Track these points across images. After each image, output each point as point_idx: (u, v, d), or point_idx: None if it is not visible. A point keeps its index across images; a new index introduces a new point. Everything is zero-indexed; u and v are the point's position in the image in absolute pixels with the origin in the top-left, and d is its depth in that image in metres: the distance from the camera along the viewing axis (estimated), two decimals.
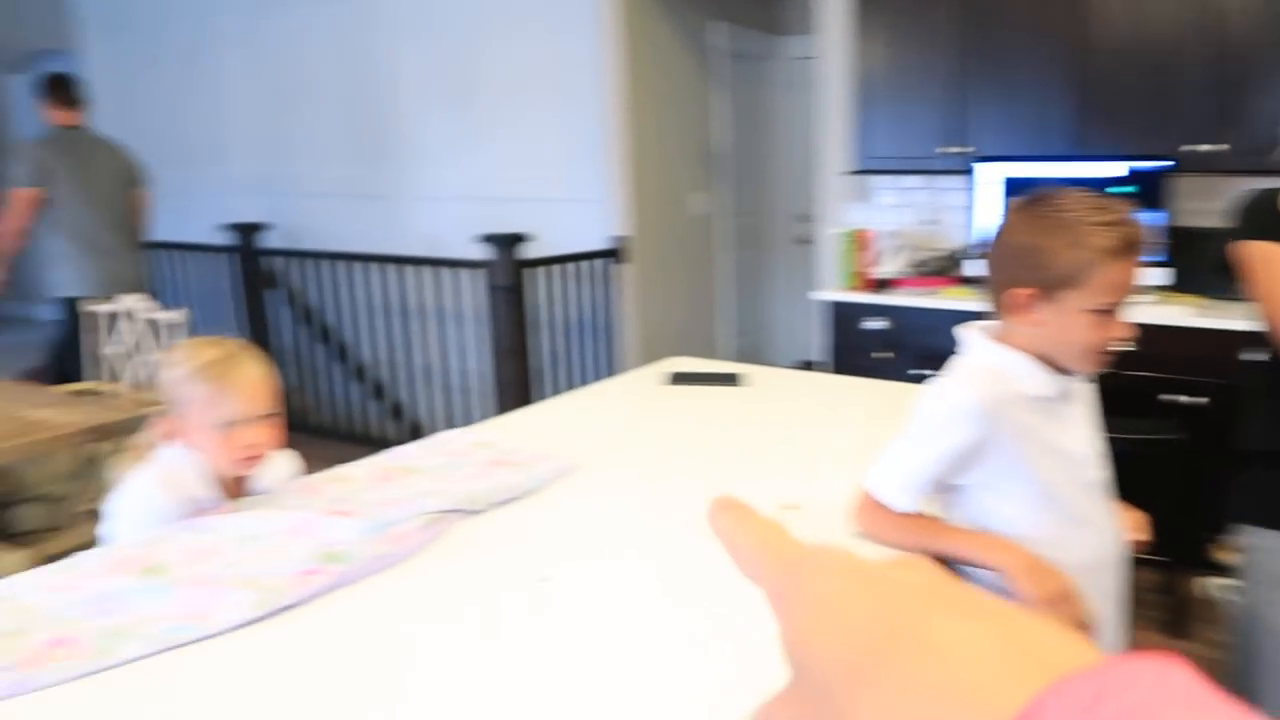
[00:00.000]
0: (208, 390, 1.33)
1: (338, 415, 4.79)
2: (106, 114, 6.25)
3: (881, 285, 3.64)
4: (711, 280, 5.43)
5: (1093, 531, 1.23)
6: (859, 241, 3.66)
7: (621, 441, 1.78)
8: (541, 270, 4.11)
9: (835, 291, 3.69)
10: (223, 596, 1.08)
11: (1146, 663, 0.22)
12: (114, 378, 3.02)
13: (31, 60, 7.59)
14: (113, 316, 3.02)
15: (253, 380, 1.37)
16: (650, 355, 4.71)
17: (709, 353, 5.47)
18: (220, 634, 1.03)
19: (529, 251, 4.02)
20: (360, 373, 4.70)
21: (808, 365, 6.18)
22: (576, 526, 1.36)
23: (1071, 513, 1.20)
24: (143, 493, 1.35)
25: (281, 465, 1.48)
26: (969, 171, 3.41)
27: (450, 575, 1.19)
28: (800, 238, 6.25)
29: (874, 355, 3.59)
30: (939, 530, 1.21)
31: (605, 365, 4.57)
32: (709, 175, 5.25)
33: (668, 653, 1.01)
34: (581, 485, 1.52)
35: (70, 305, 3.76)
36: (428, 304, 4.37)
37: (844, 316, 3.65)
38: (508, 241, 3.85)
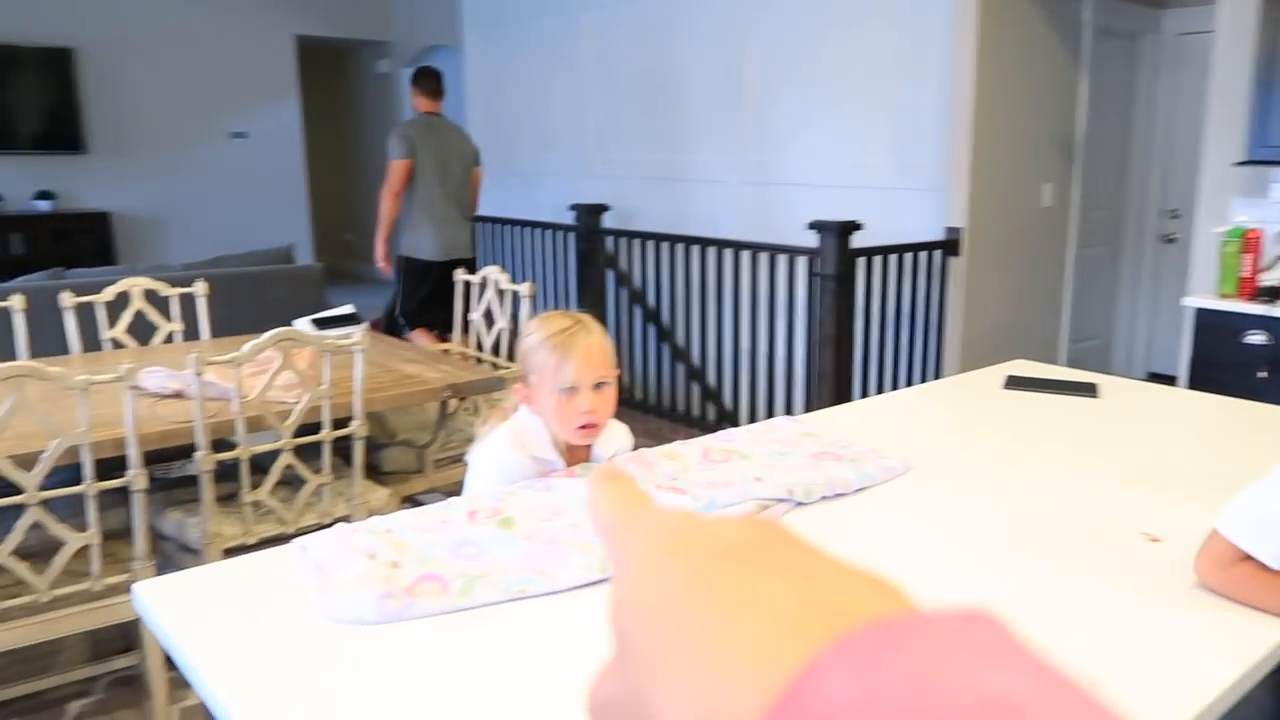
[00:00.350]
0: (552, 357, 1.42)
1: (661, 393, 4.98)
2: (479, 101, 6.95)
3: (1269, 294, 3.15)
4: (1053, 279, 5.00)
5: None
6: (1246, 243, 3.18)
7: (957, 446, 1.67)
8: (864, 259, 3.99)
9: (1210, 298, 3.25)
10: (565, 557, 1.14)
11: (950, 613, 0.20)
12: (476, 341, 3.34)
13: (425, 54, 8.57)
14: (481, 285, 3.33)
15: (591, 348, 1.44)
16: (976, 355, 4.44)
17: (1045, 358, 5.05)
18: (560, 591, 1.08)
19: (855, 240, 3.92)
20: (680, 353, 4.84)
21: (1160, 379, 5.53)
22: (906, 531, 1.29)
23: None
24: (497, 450, 1.46)
25: (617, 438, 1.54)
26: None
27: None
28: (1166, 235, 5.59)
29: (1258, 374, 3.13)
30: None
31: (929, 363, 4.36)
32: (1062, 164, 4.82)
33: None
34: (913, 488, 1.45)
35: (410, 264, 4.54)
36: (747, 288, 4.40)
37: (1218, 327, 3.21)
38: (839, 229, 3.77)
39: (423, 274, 4.57)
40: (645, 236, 4.89)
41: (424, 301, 4.59)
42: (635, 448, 1.61)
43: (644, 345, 5.02)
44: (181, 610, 1.04)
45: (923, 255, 4.24)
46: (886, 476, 1.46)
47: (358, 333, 2.32)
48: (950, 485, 1.46)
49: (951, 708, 0.17)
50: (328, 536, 1.19)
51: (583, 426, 1.45)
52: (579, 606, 1.06)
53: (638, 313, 5.06)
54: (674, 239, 4.73)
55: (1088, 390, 2.00)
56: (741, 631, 0.21)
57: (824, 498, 1.38)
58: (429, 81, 4.60)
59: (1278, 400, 3.03)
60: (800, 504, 1.35)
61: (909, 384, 4.29)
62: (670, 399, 4.94)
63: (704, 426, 4.69)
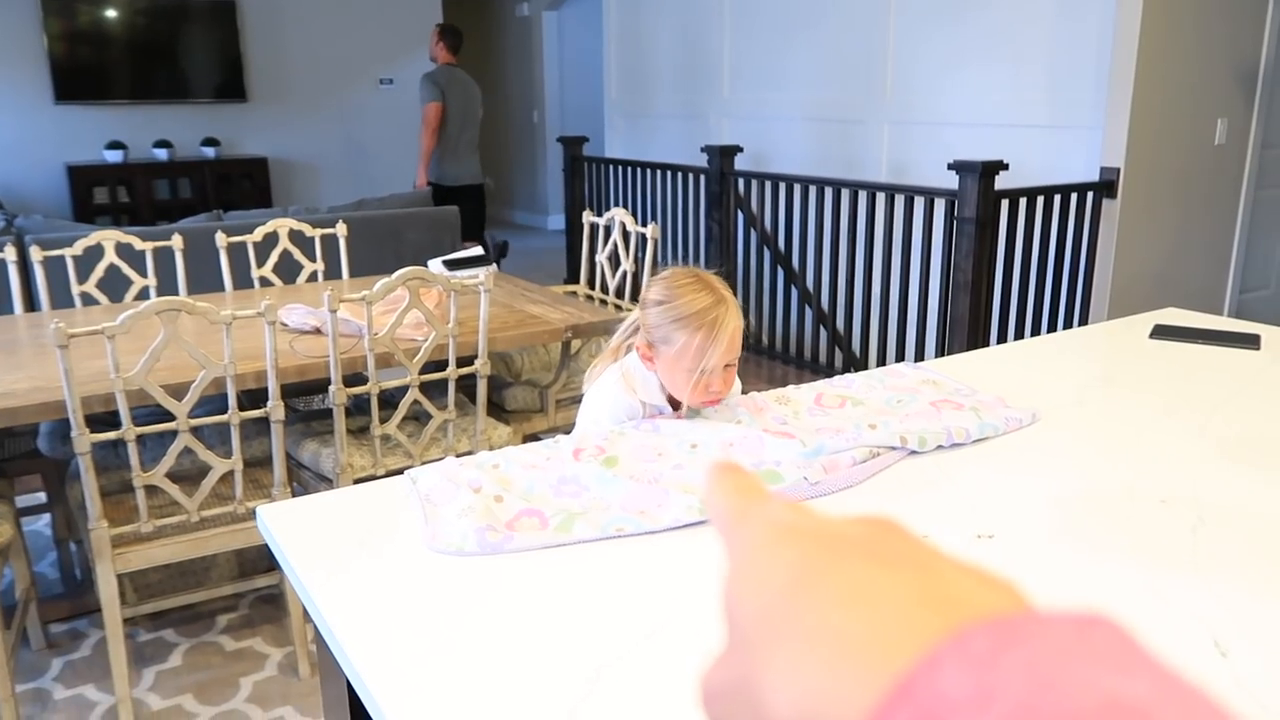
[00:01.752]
0: (694, 339, 1.36)
1: (788, 339, 4.90)
2: (616, 45, 6.91)
3: None
4: (1222, 223, 4.62)
5: None
6: None
7: (1092, 399, 1.57)
8: (1008, 201, 3.78)
9: None
10: (665, 497, 1.14)
11: (1069, 615, 0.20)
12: (601, 284, 3.36)
13: (562, 1, 8.60)
14: (607, 228, 3.34)
15: (735, 333, 1.39)
16: (1127, 304, 4.17)
17: (1206, 308, 4.70)
18: (659, 531, 1.08)
19: (1001, 181, 3.71)
20: (809, 297, 4.74)
21: None
22: (1022, 489, 1.23)
23: None
24: (607, 391, 1.46)
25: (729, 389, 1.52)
26: None
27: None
28: None
29: None
30: None
31: (1074, 312, 4.12)
32: (1241, 98, 4.42)
33: None
34: (1037, 442, 1.37)
35: (437, 189, 5.53)
36: (881, 232, 4.25)
37: None
38: (982, 169, 3.58)
39: (445, 196, 5.47)
40: (778, 179, 4.78)
41: None
42: (745, 392, 1.59)
43: (771, 289, 4.94)
44: (297, 534, 1.09)
45: (1073, 197, 3.99)
46: (1010, 428, 1.39)
47: (484, 274, 2.36)
48: (1077, 442, 1.37)
49: (1071, 710, 0.17)
50: (437, 469, 1.22)
51: (708, 400, 1.42)
52: (676, 547, 1.06)
53: (767, 256, 4.98)
54: (808, 181, 4.61)
55: (1249, 341, 1.83)
56: (854, 624, 0.21)
57: (939, 447, 1.32)
58: (453, 38, 5.58)
59: None
60: (914, 452, 1.30)
61: (1051, 332, 4.07)
62: (797, 345, 4.86)
63: (830, 374, 4.60)
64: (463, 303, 2.45)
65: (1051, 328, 4.08)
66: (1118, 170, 4.03)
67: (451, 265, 3.32)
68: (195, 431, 2.05)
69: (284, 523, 1.12)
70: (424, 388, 2.32)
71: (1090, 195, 4.03)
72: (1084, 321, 4.15)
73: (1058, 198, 3.94)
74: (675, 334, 1.37)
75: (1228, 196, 4.59)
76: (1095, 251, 4.11)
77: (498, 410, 2.83)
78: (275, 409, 2.12)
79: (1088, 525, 1.11)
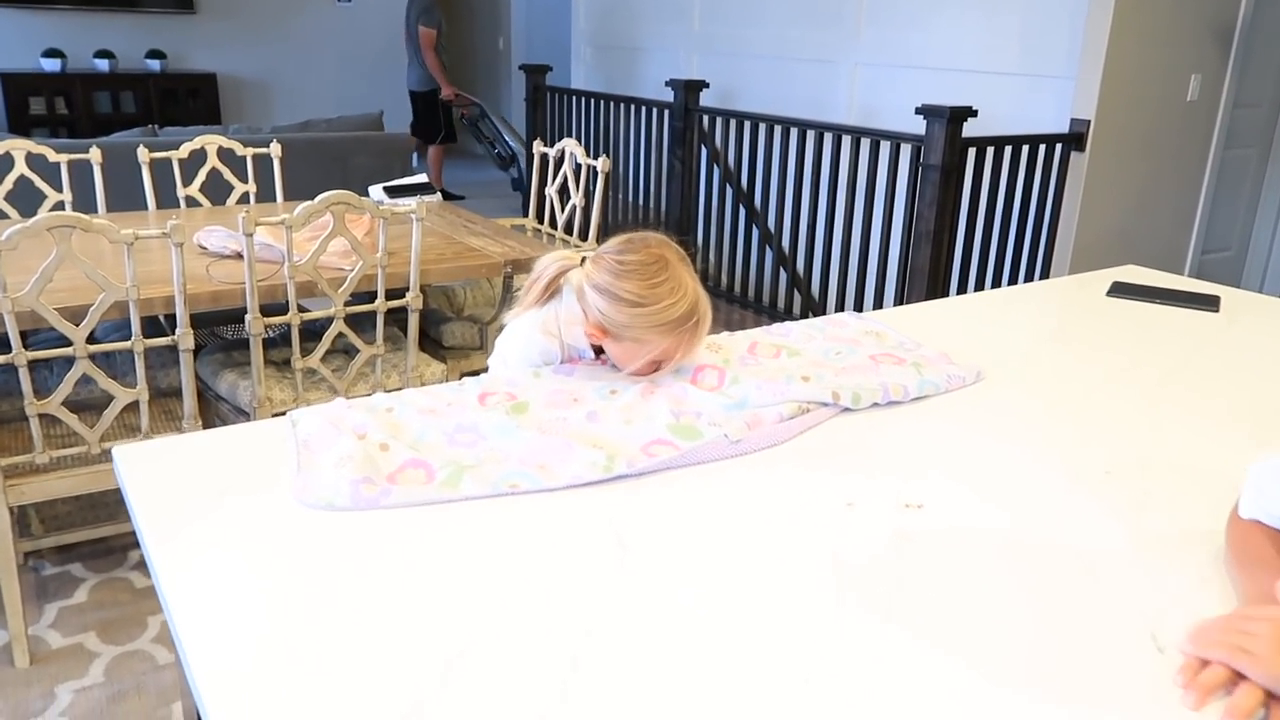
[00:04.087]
0: (666, 339, 1.22)
1: (747, 280, 4.79)
2: None
3: None
4: (1188, 182, 4.55)
5: None
6: None
7: (1040, 358, 1.48)
8: (975, 150, 3.67)
9: None
10: (567, 451, 1.04)
11: None
12: (550, 218, 3.22)
13: None
14: (558, 159, 3.19)
15: (697, 344, 1.27)
16: (1090, 260, 4.10)
17: (1167, 268, 4.65)
18: (555, 489, 0.98)
19: (968, 129, 3.60)
20: (770, 239, 4.63)
21: None
22: (958, 451, 1.14)
23: None
24: (524, 333, 1.35)
25: None
26: None
27: (793, 478, 1.04)
28: None
29: None
30: (1253, 557, 0.84)
31: (1037, 267, 4.05)
32: (1215, 54, 4.32)
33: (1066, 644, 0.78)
34: (979, 402, 1.28)
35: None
36: (846, 175, 4.13)
37: None
38: (950, 116, 3.46)
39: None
40: (743, 117, 4.63)
41: None
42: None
43: (733, 230, 4.81)
44: (153, 481, 0.97)
45: (1041, 148, 3.89)
46: (951, 386, 1.30)
47: (419, 202, 2.21)
48: (1021, 404, 1.29)
49: None
50: (321, 411, 1.11)
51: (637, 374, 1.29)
52: (572, 507, 0.96)
53: (729, 195, 4.85)
54: (773, 120, 4.46)
55: (1208, 303, 1.76)
56: None
57: (875, 405, 1.23)
58: None
59: None
60: (846, 409, 1.21)
61: (1011, 285, 4.00)
62: (756, 288, 4.76)
63: (787, 317, 4.51)
64: (397, 233, 2.31)
65: (1012, 281, 4.01)
66: (1088, 123, 3.93)
67: (393, 192, 3.17)
68: (106, 359, 1.91)
69: (141, 468, 1.00)
70: (355, 321, 2.19)
71: (1059, 147, 3.93)
72: (1045, 277, 4.08)
73: (1026, 148, 3.84)
74: (649, 334, 1.22)
75: (1196, 155, 4.52)
76: (1060, 205, 4.03)
77: (434, 346, 2.71)
78: (184, 337, 1.98)
79: (1024, 498, 1.03)
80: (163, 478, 0.98)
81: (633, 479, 1.01)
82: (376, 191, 3.12)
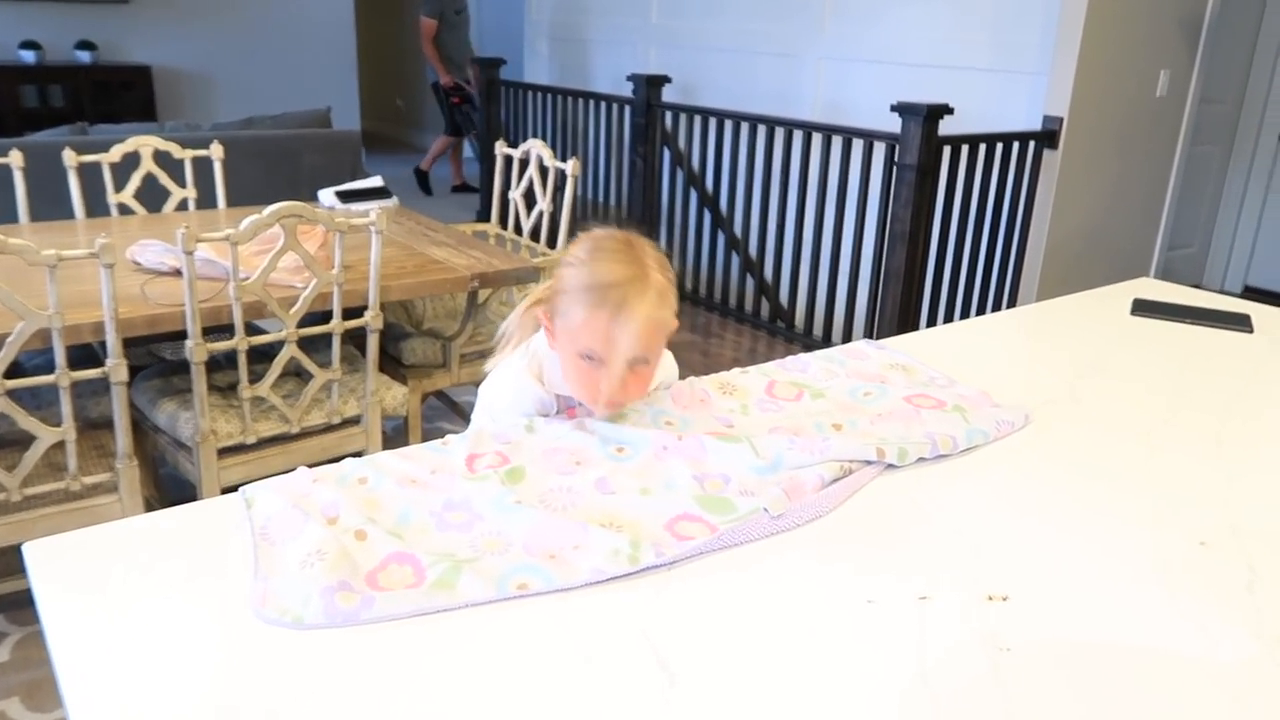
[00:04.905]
0: (592, 316, 1.04)
1: (713, 285, 4.65)
2: None
3: None
4: (1156, 178, 4.51)
5: None
6: None
7: (1083, 392, 1.35)
8: (950, 148, 3.55)
9: None
10: (582, 535, 0.87)
11: None
12: (515, 224, 3.03)
13: None
14: (523, 161, 3.00)
15: (642, 323, 1.04)
16: (1063, 258, 4.03)
17: (1136, 264, 4.61)
18: (573, 588, 0.81)
19: (942, 127, 3.48)
20: (736, 242, 4.48)
21: (1258, 294, 5.06)
22: (1034, 517, 1.00)
23: None
24: (512, 380, 1.17)
25: (662, 369, 1.23)
26: None
27: (848, 563, 0.89)
28: None
29: None
30: None
31: (1014, 262, 3.96)
32: (1183, 50, 4.26)
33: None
34: (1035, 450, 1.14)
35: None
36: (817, 175, 4.00)
37: None
38: (926, 114, 3.34)
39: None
40: (706, 113, 4.48)
41: None
42: (683, 375, 1.32)
43: (697, 231, 4.66)
44: (68, 586, 0.79)
45: (1015, 146, 3.79)
46: (1001, 433, 1.16)
47: (378, 210, 2.02)
48: (1079, 453, 1.15)
49: None
50: (282, 486, 0.93)
51: (608, 406, 1.11)
52: (594, 611, 0.79)
53: (693, 197, 4.69)
54: (739, 117, 4.31)
55: (1240, 323, 1.64)
56: None
57: (921, 459, 1.08)
58: None
59: None
60: (891, 466, 1.06)
61: (984, 288, 3.91)
62: (722, 291, 4.61)
63: (755, 323, 4.38)
64: (354, 243, 2.12)
65: (986, 283, 3.92)
66: (1061, 120, 3.85)
67: (346, 197, 2.96)
68: (19, 394, 1.69)
69: (55, 568, 0.81)
70: (306, 343, 1.99)
71: (1032, 145, 3.84)
72: (1018, 277, 4.00)
73: (1000, 146, 3.74)
74: (575, 306, 1.06)
75: (1164, 151, 4.47)
76: (1034, 204, 3.94)
77: (394, 365, 2.51)
78: (116, 369, 1.77)
79: (1117, 579, 0.88)
80: (83, 585, 0.79)
81: (663, 570, 0.85)
82: (328, 196, 2.90)
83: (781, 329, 4.28)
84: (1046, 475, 1.08)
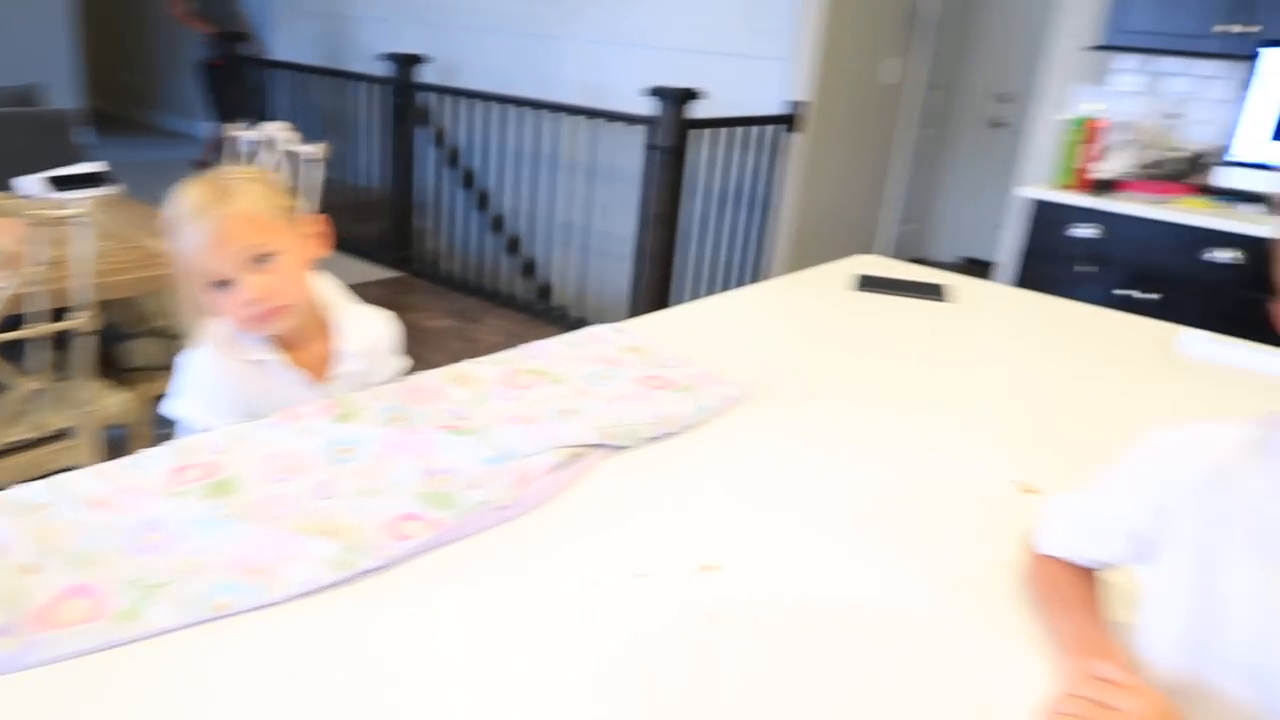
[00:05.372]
0: (182, 245, 1.08)
1: (469, 265, 4.58)
2: None
3: (1101, 187, 3.08)
4: (888, 159, 4.88)
5: None
6: (1086, 132, 3.09)
7: (802, 364, 1.44)
8: (705, 132, 3.69)
9: (1043, 188, 3.16)
10: (289, 545, 0.83)
11: None
12: None
13: None
14: (254, 144, 2.82)
15: (226, 220, 1.06)
16: (808, 237, 4.29)
17: (870, 241, 4.98)
18: (280, 603, 0.77)
19: (694, 110, 3.60)
20: (498, 223, 4.45)
21: (976, 265, 5.61)
22: (752, 483, 1.05)
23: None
24: (200, 363, 1.12)
25: (371, 329, 1.23)
26: (1250, 57, 2.77)
27: (572, 546, 0.90)
28: (995, 120, 5.56)
29: (1077, 268, 3.10)
30: (1064, 597, 0.80)
31: (757, 241, 4.17)
32: (907, 39, 4.62)
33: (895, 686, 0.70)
34: (752, 422, 1.20)
35: None
36: (579, 157, 4.03)
37: (1048, 219, 3.14)
38: (676, 97, 3.43)
39: None
40: (466, 94, 4.39)
41: None
42: (413, 368, 1.29)
43: (456, 212, 4.58)
44: None
45: (763, 131, 3.98)
46: (725, 406, 1.21)
47: (91, 198, 1.83)
48: (800, 421, 1.22)
49: None
50: None
51: (256, 315, 1.10)
52: (306, 626, 0.75)
53: (456, 179, 4.60)
54: (498, 99, 4.26)
55: (934, 292, 1.81)
56: None
57: (651, 439, 1.11)
58: None
59: (1093, 293, 3.02)
60: (620, 448, 1.08)
61: (738, 266, 4.10)
62: (484, 275, 4.55)
63: (519, 307, 4.37)
64: (58, 237, 1.91)
65: (738, 261, 4.11)
66: (802, 104, 4.08)
67: (59, 183, 2.67)
68: None
69: None
70: (5, 350, 1.78)
71: (778, 129, 4.05)
72: (764, 258, 4.21)
73: (749, 130, 3.91)
74: (178, 251, 1.09)
75: (894, 134, 4.85)
76: (780, 186, 4.16)
77: (117, 370, 2.30)
78: None
79: (823, 540, 0.95)
80: None
81: (382, 572, 0.82)
82: (32, 183, 2.61)
83: (546, 311, 4.30)
84: (765, 446, 1.14)
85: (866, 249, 4.99)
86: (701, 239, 3.90)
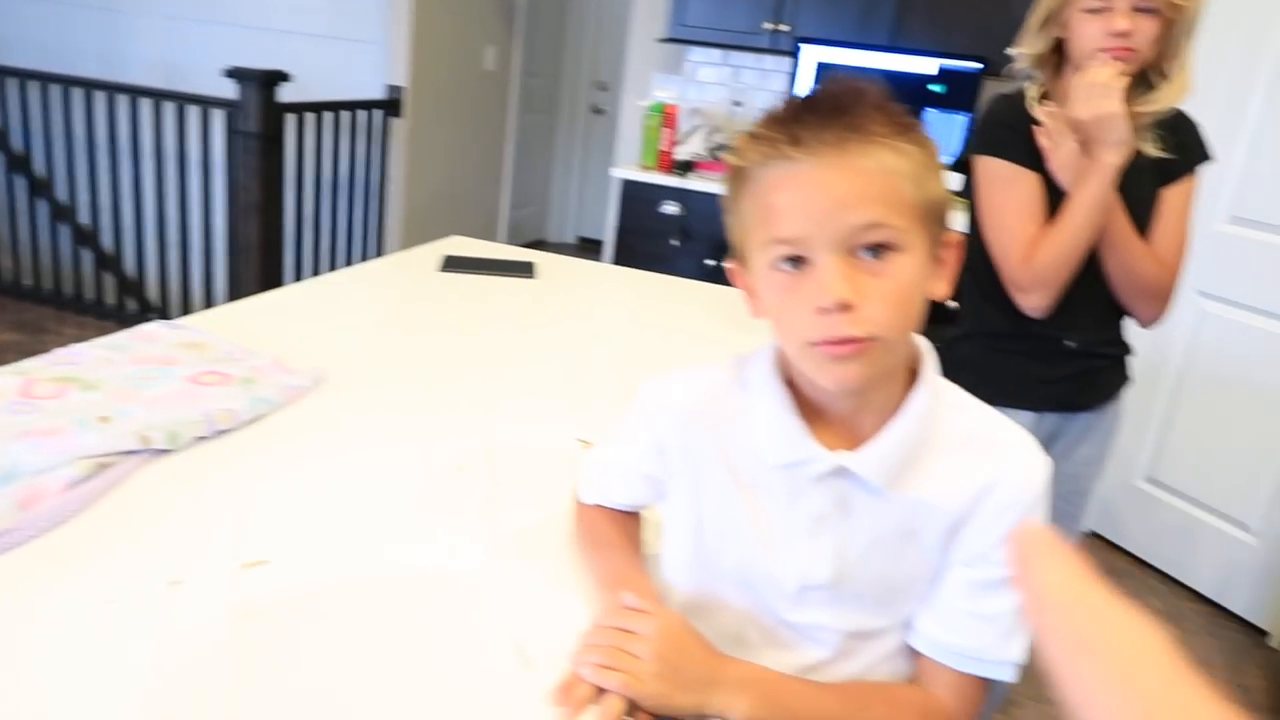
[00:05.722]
0: None
1: (41, 271, 4.01)
2: None
3: (681, 167, 3.38)
4: (496, 145, 4.98)
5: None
6: (665, 117, 3.35)
7: (383, 347, 1.42)
8: (296, 117, 3.50)
9: (633, 170, 3.39)
10: None
11: None
12: None
13: None
14: None
15: None
16: (422, 223, 4.26)
17: (488, 225, 5.06)
18: None
19: (287, 94, 3.41)
20: (64, 212, 3.92)
21: (590, 243, 5.92)
22: (311, 473, 1.02)
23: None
24: None
25: None
26: (794, 52, 3.16)
27: (99, 564, 0.83)
28: (595, 106, 5.87)
29: (671, 242, 3.37)
30: (602, 540, 0.87)
31: (371, 232, 4.07)
32: (504, 28, 4.72)
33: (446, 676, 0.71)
34: (326, 410, 1.17)
35: None
36: (168, 145, 3.66)
37: (639, 198, 3.38)
38: (262, 79, 3.22)
39: None
40: (10, 73, 3.80)
41: None
42: None
43: (28, 209, 3.97)
44: None
45: (362, 115, 3.87)
46: (290, 398, 1.16)
47: None
48: (370, 405, 1.21)
49: None
50: None
51: None
52: None
53: (5, 171, 3.98)
54: (52, 79, 3.73)
55: (524, 270, 1.88)
56: None
57: (200, 439, 1.03)
58: None
59: (687, 265, 3.32)
60: (163, 452, 1.00)
61: (358, 255, 3.97)
62: (58, 278, 4.00)
63: (101, 311, 3.90)
64: None
65: (350, 251, 3.97)
66: (403, 89, 4.02)
67: None
68: None
69: None
70: None
71: (379, 114, 3.95)
72: (380, 244, 4.12)
73: (347, 114, 3.78)
74: None
75: (499, 120, 4.94)
76: (387, 172, 4.08)
77: None
78: None
79: (381, 519, 0.94)
80: None
81: None
82: None
83: (135, 311, 3.87)
84: (333, 433, 1.11)
85: (489, 233, 5.06)
86: (316, 228, 3.71)
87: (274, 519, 0.91)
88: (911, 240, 0.64)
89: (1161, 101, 1.28)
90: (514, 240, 5.38)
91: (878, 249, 0.63)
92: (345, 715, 0.67)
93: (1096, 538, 2.84)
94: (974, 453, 0.72)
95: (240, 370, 1.19)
